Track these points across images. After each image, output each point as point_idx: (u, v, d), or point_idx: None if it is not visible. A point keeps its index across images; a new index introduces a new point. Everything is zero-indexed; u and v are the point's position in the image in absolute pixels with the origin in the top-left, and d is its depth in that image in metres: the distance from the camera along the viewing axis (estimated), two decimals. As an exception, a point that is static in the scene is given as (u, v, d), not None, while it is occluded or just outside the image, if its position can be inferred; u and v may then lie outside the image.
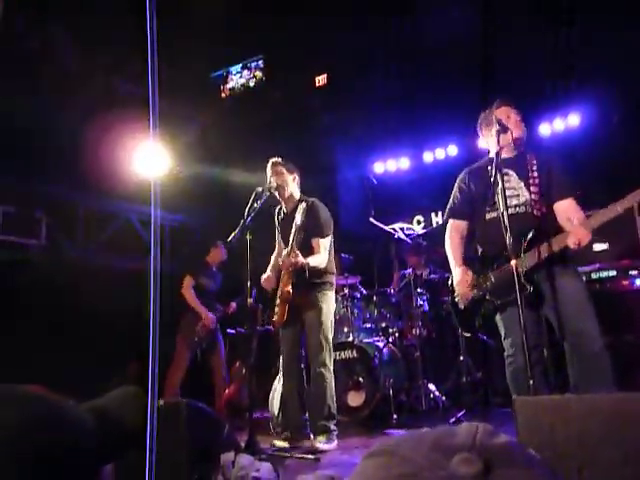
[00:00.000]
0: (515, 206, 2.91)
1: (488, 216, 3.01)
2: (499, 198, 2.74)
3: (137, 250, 6.24)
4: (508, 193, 2.90)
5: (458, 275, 3.05)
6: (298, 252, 3.61)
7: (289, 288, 3.63)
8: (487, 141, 3.11)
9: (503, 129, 2.81)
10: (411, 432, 0.47)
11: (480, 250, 3.14)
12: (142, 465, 0.75)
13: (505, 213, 2.66)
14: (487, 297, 2.95)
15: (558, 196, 2.92)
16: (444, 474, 0.41)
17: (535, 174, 2.96)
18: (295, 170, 3.98)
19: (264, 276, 3.87)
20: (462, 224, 3.17)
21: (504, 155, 2.96)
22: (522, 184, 2.95)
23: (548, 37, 5.62)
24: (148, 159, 5.73)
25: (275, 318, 3.72)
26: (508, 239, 2.63)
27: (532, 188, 2.93)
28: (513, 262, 2.61)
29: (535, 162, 3.00)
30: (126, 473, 1.03)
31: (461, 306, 3.06)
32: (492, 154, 3.04)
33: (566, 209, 2.89)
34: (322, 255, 3.80)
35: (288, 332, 3.84)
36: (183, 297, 5.23)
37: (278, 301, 3.72)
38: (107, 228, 6.60)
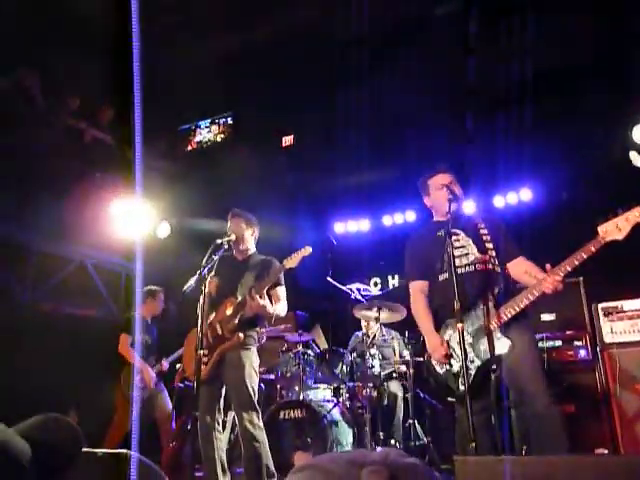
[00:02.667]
0: (466, 265, 3.02)
1: (441, 277, 3.08)
2: (450, 260, 2.85)
3: (89, 296, 6.11)
4: (458, 253, 3.02)
5: (432, 343, 3.03)
6: (262, 295, 3.56)
7: (240, 334, 3.58)
8: (432, 202, 3.26)
9: (454, 198, 2.96)
10: (332, 453, 0.53)
11: (437, 309, 3.13)
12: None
13: (455, 275, 2.77)
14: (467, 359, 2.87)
15: (511, 256, 3.06)
16: None
17: (485, 232, 3.11)
18: (254, 224, 4.00)
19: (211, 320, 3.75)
20: (423, 284, 3.21)
21: (448, 217, 3.11)
22: (470, 242, 3.07)
23: (501, 116, 5.98)
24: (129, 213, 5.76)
25: (202, 370, 3.45)
26: (456, 303, 2.71)
27: (488, 245, 3.06)
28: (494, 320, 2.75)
29: (482, 223, 3.15)
30: None
31: (440, 371, 3.03)
32: (436, 216, 3.19)
33: (520, 265, 3.02)
34: (283, 303, 3.78)
35: (206, 391, 3.60)
36: (122, 356, 5.13)
37: (206, 351, 3.55)
38: (59, 272, 6.45)
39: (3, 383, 4.48)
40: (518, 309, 2.84)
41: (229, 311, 3.69)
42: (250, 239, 3.98)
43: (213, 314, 3.77)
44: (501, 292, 2.93)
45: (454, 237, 3.06)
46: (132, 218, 5.97)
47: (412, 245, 3.30)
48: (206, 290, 3.69)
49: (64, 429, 1.12)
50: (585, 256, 2.73)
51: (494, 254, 3.04)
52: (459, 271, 2.99)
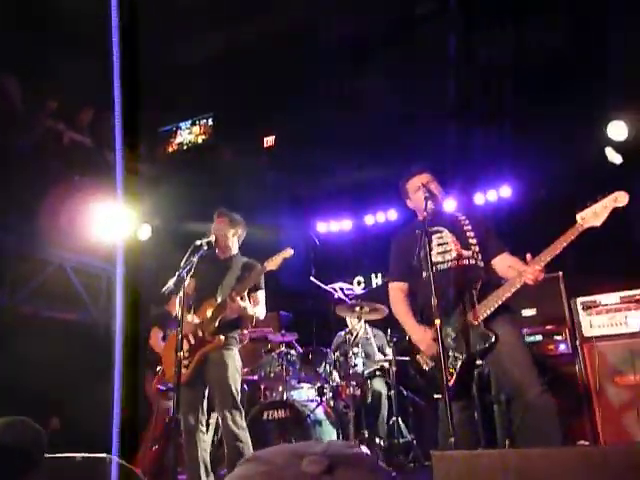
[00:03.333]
0: (448, 261, 3.03)
1: (424, 275, 3.06)
2: (429, 258, 2.86)
3: (69, 299, 6.04)
4: (440, 249, 3.05)
5: (418, 333, 3.02)
6: (243, 297, 3.54)
7: (221, 336, 3.57)
8: (414, 204, 3.28)
9: (431, 196, 2.98)
10: (278, 445, 0.53)
11: (422, 307, 3.12)
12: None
13: (431, 273, 2.78)
14: (450, 353, 2.90)
15: (495, 252, 3.08)
16: (294, 471, 0.47)
17: (469, 228, 3.12)
18: (239, 225, 3.96)
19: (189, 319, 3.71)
20: (402, 284, 3.24)
21: (433, 215, 3.13)
22: (453, 238, 3.08)
23: (480, 116, 6.04)
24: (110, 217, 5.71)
25: (184, 373, 3.47)
26: (433, 299, 2.72)
27: (471, 240, 3.07)
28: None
29: (467, 220, 3.17)
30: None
31: (425, 367, 3.02)
32: (420, 216, 3.21)
33: (504, 260, 3.03)
34: (262, 306, 3.78)
35: (189, 392, 3.57)
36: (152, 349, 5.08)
37: (187, 354, 3.56)
38: (38, 275, 6.36)
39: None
40: (500, 302, 2.84)
41: (209, 313, 3.67)
42: (233, 239, 3.94)
43: (191, 315, 3.73)
44: (484, 287, 2.92)
45: (437, 234, 3.08)
46: (112, 220, 5.92)
47: (395, 245, 3.32)
48: (182, 291, 3.68)
49: (28, 432, 1.10)
50: (565, 244, 2.74)
51: (477, 249, 3.06)
52: (440, 267, 3.02)
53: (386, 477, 0.48)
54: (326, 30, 6.23)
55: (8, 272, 6.03)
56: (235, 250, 3.98)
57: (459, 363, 2.88)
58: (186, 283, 3.40)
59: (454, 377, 2.87)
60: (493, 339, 2.80)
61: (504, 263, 3.03)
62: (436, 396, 2.98)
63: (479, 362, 3.08)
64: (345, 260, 7.19)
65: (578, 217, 2.75)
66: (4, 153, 5.56)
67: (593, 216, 2.72)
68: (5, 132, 5.78)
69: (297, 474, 0.47)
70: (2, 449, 0.96)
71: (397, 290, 3.24)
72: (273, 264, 3.56)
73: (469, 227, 3.13)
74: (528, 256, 2.82)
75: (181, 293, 3.76)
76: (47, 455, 2.17)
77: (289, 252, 3.57)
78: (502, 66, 5.99)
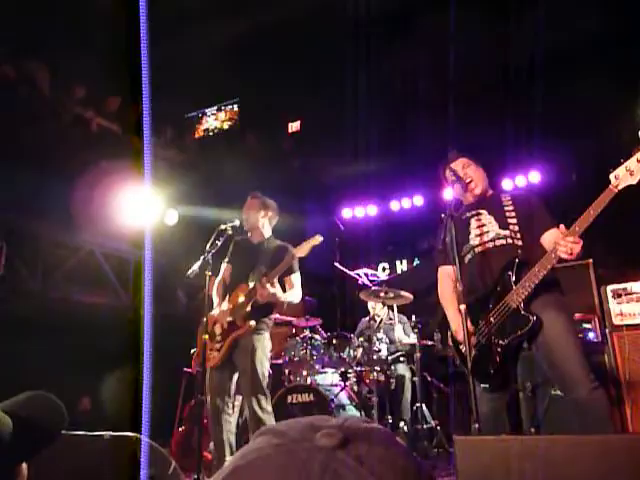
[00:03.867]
0: (486, 242, 2.92)
1: (466, 259, 3.00)
2: (464, 242, 2.80)
3: (98, 283, 6.17)
4: (478, 232, 2.96)
5: (455, 322, 2.93)
6: (273, 282, 3.52)
7: (251, 322, 3.59)
8: (455, 192, 3.19)
9: (458, 179, 2.93)
10: (294, 419, 0.53)
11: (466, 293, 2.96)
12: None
13: (457, 261, 2.73)
14: (493, 340, 2.79)
15: (543, 229, 2.89)
16: (308, 445, 0.47)
17: (510, 208, 2.98)
18: (270, 207, 3.95)
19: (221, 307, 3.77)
20: (450, 269, 3.06)
21: (475, 198, 3.06)
22: (492, 219, 2.96)
23: (509, 100, 5.91)
24: (139, 201, 5.79)
25: (215, 356, 3.57)
26: (459, 285, 2.68)
27: (510, 220, 2.93)
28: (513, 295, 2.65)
29: (510, 199, 3.04)
30: (38, 470, 1.06)
31: (464, 350, 2.88)
32: (464, 201, 3.13)
33: (552, 236, 2.82)
34: (297, 290, 3.75)
35: (218, 375, 3.66)
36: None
37: (219, 338, 3.62)
38: (69, 260, 6.52)
39: (13, 371, 4.56)
40: (537, 280, 2.67)
41: (241, 298, 3.68)
42: (264, 221, 3.92)
43: (226, 301, 3.78)
44: (522, 266, 2.77)
45: (475, 217, 3.00)
46: (140, 206, 6.00)
47: (442, 228, 3.24)
48: (220, 277, 3.70)
49: (48, 407, 1.13)
50: (599, 209, 2.52)
51: (517, 229, 2.91)
52: (477, 250, 2.94)
53: (402, 453, 0.48)
54: (352, 11, 6.14)
55: (39, 258, 6.19)
56: (268, 234, 3.95)
57: (499, 349, 2.75)
58: (210, 273, 3.43)
59: (496, 365, 2.74)
60: (532, 322, 2.65)
61: (551, 239, 2.81)
62: (483, 385, 2.84)
63: (525, 346, 2.96)
64: (370, 246, 7.17)
65: (611, 177, 2.51)
66: (34, 140, 5.67)
67: (627, 174, 2.48)
68: (35, 119, 5.88)
69: (310, 447, 0.47)
70: (22, 422, 0.98)
71: (445, 275, 3.15)
72: (302, 251, 3.54)
73: (510, 207, 2.98)
74: (561, 227, 2.64)
75: (219, 277, 3.81)
76: (73, 432, 2.23)
77: (318, 239, 3.54)
78: (534, 46, 5.84)
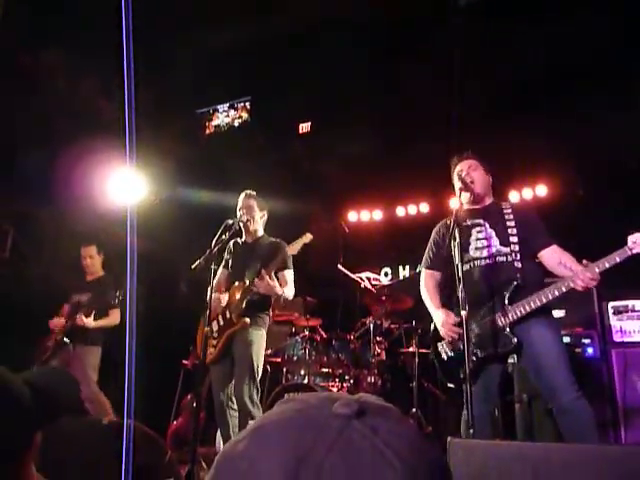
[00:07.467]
0: (485, 257, 2.96)
1: (464, 268, 2.98)
2: (463, 251, 2.82)
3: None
4: (479, 244, 2.99)
5: (440, 317, 3.01)
6: (270, 275, 3.58)
7: (246, 319, 3.62)
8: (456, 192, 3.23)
9: (464, 186, 2.95)
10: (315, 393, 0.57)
11: (452, 298, 3.09)
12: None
13: (461, 266, 2.75)
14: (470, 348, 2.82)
15: (542, 244, 2.96)
16: (326, 413, 0.51)
17: (512, 224, 3.01)
18: (265, 207, 4.05)
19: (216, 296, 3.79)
20: (436, 273, 3.21)
21: (475, 206, 3.08)
22: (493, 234, 3.00)
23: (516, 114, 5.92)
24: (124, 185, 5.78)
25: (212, 352, 3.63)
26: (461, 291, 2.70)
27: (511, 238, 2.96)
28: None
29: (510, 211, 3.07)
30: (49, 438, 1.10)
31: (444, 356, 3.03)
32: (465, 206, 3.16)
33: (554, 254, 2.91)
34: (291, 287, 3.81)
35: (218, 369, 3.73)
36: None
37: (216, 334, 3.67)
38: (76, 247, 6.51)
39: (12, 354, 4.57)
40: (535, 306, 2.75)
41: (237, 295, 3.74)
42: (259, 221, 4.01)
43: (224, 298, 3.82)
44: (517, 289, 2.84)
45: (477, 228, 3.03)
46: (131, 189, 5.90)
47: (435, 232, 3.29)
48: (216, 278, 3.75)
49: (65, 381, 1.18)
50: (620, 259, 2.63)
51: (517, 248, 2.95)
52: (476, 263, 2.97)
53: (415, 430, 0.51)
54: (362, 11, 6.15)
55: (47, 243, 6.20)
56: (261, 232, 4.04)
57: (474, 359, 2.83)
58: (215, 266, 3.49)
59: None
60: (513, 345, 2.75)
61: (554, 258, 2.90)
62: (450, 385, 2.98)
63: (510, 360, 3.03)
64: (373, 250, 7.18)
65: (630, 239, 2.62)
66: (52, 128, 5.70)
67: None
68: (46, 106, 5.91)
69: (328, 414, 0.50)
70: (39, 393, 1.02)
71: (428, 276, 3.22)
72: (293, 249, 3.60)
73: (512, 222, 3.02)
74: (584, 262, 2.70)
75: (215, 280, 3.85)
76: (74, 417, 2.26)
77: (308, 237, 3.60)
78: (539, 58, 5.85)
